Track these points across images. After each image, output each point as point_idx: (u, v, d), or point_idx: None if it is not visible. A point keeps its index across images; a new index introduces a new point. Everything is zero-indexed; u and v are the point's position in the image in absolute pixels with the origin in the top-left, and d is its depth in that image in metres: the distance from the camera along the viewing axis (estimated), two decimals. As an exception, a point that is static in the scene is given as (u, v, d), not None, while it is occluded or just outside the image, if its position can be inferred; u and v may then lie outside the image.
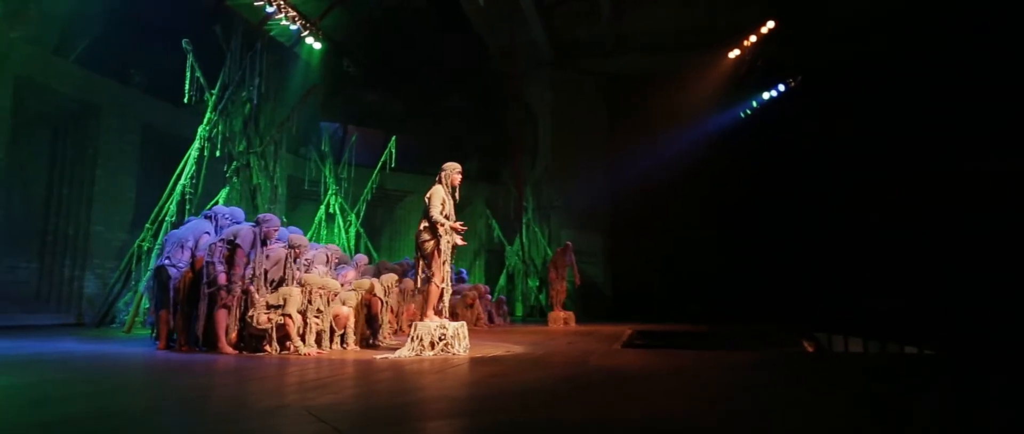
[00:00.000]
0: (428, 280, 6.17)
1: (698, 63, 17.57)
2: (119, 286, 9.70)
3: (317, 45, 14.69)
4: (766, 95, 16.75)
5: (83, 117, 11.04)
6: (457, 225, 6.10)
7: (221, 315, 5.89)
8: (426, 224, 6.13)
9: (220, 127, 10.15)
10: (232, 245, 5.91)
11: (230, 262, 5.90)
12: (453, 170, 6.32)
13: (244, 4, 12.86)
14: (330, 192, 16.04)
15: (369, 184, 16.68)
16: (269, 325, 5.76)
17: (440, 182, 6.27)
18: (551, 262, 13.37)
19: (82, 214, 10.90)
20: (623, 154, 19.23)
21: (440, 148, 19.56)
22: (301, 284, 6.01)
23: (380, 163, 16.90)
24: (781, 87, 16.32)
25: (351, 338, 6.53)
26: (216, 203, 9.83)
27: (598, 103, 19.80)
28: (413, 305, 9.89)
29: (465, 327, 6.16)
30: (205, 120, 10.05)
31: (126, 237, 11.11)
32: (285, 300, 5.81)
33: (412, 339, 5.88)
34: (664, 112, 18.53)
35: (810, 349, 10.08)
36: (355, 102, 17.88)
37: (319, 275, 6.82)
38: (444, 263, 6.10)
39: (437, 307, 6.10)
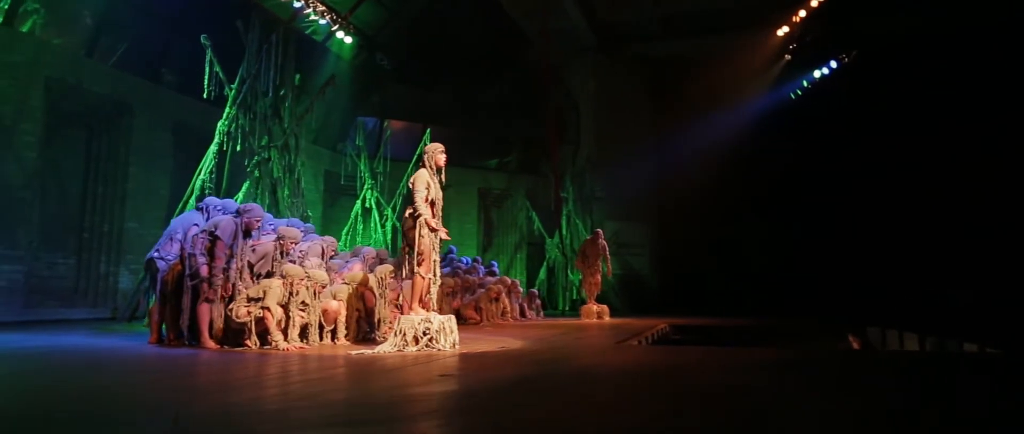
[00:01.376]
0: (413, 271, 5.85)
1: (746, 43, 16.60)
2: (146, 281, 9.84)
3: (348, 39, 14.65)
4: (817, 73, 15.60)
5: (116, 116, 11.30)
6: (437, 228, 5.72)
7: (203, 309, 5.76)
8: (411, 211, 5.80)
9: (240, 121, 10.15)
10: (213, 237, 5.77)
11: (212, 254, 5.76)
12: (435, 150, 5.99)
13: (273, 1, 12.94)
14: (366, 187, 16.02)
15: (404, 178, 16.57)
16: (249, 318, 5.58)
17: (424, 165, 5.94)
18: (580, 253, 12.87)
19: (116, 211, 11.17)
20: (669, 141, 18.44)
21: (478, 140, 19.35)
22: (283, 276, 5.81)
23: (415, 157, 16.76)
24: (833, 64, 15.17)
25: (342, 333, 6.30)
26: (236, 198, 9.86)
27: (642, 89, 19.07)
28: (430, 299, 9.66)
29: (452, 321, 5.81)
30: (224, 115, 10.08)
31: (159, 233, 11.31)
32: (265, 293, 5.62)
33: (396, 333, 5.58)
34: (711, 96, 17.64)
35: (856, 345, 9.24)
36: (391, 96, 17.80)
37: (311, 268, 6.62)
38: (429, 253, 5.76)
39: (423, 299, 5.78)
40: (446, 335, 5.61)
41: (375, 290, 6.88)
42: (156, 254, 6.21)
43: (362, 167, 16.03)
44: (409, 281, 5.85)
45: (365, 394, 3.37)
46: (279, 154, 10.57)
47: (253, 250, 6.05)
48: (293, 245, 6.62)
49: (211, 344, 5.72)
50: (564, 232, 17.74)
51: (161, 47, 11.86)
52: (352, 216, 15.90)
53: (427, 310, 5.80)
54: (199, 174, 9.89)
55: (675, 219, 18.83)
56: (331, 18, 13.92)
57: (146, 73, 11.86)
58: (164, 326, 6.13)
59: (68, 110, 10.78)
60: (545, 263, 18.10)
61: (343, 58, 15.63)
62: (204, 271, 5.76)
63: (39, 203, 10.44)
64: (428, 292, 5.82)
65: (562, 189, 18.30)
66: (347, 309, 6.49)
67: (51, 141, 10.68)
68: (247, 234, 5.97)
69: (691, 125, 17.95)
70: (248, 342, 5.60)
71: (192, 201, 9.70)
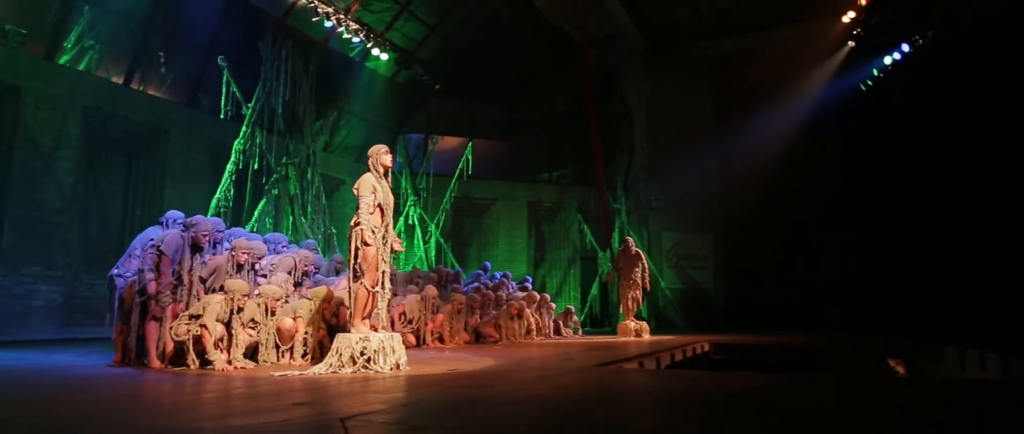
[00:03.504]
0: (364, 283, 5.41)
1: (809, 34, 15.23)
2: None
3: (384, 56, 14.65)
4: (887, 59, 13.98)
5: (153, 141, 11.71)
6: (369, 241, 5.25)
7: (151, 327, 5.59)
8: (355, 220, 5.39)
9: (258, 139, 10.20)
10: (160, 252, 5.60)
11: (159, 270, 5.59)
12: (380, 152, 5.57)
13: (306, 22, 13.12)
14: (409, 203, 15.92)
15: (448, 193, 16.36)
16: (188, 337, 5.34)
17: (369, 169, 5.53)
18: (613, 265, 12.03)
19: (153, 232, 11.51)
20: (731, 144, 17.22)
21: (527, 153, 18.86)
22: (224, 291, 5.54)
23: (457, 171, 16.53)
24: (906, 47, 13.52)
25: (299, 352, 5.95)
26: (253, 217, 9.88)
27: (701, 90, 17.97)
28: (441, 316, 9.22)
29: (397, 339, 5.32)
30: (240, 133, 10.16)
31: (193, 253, 11.58)
32: (205, 309, 5.37)
33: (333, 353, 5.16)
34: (774, 92, 16.34)
35: (900, 370, 7.93)
36: (436, 111, 17.68)
37: (277, 284, 6.36)
38: (374, 264, 5.31)
39: (368, 316, 5.33)
40: (386, 355, 5.12)
41: (349, 306, 6.50)
42: (115, 271, 6.14)
43: (404, 184, 15.94)
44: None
45: (175, 421, 2.94)
46: (297, 171, 10.53)
47: (203, 264, 5.84)
48: (257, 259, 6.39)
49: (157, 363, 5.53)
50: (616, 245, 16.86)
51: (197, 73, 12.21)
52: (396, 233, 15.79)
53: (373, 328, 5.35)
54: (216, 193, 10.00)
55: (741, 228, 17.51)
56: (365, 36, 13.96)
57: (182, 98, 12.26)
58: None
59: (107, 137, 11.26)
60: (598, 278, 17.29)
61: (380, 74, 15.65)
62: (152, 288, 5.60)
63: (80, 226, 10.94)
64: (374, 307, 5.37)
65: (614, 200, 17.49)
66: (313, 327, 6.15)
67: (92, 166, 11.19)
68: (197, 249, 5.77)
69: (754, 125, 16.68)
70: (188, 361, 5.35)
71: (208, 220, 9.79)
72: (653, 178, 17.47)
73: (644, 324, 11.56)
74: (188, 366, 5.33)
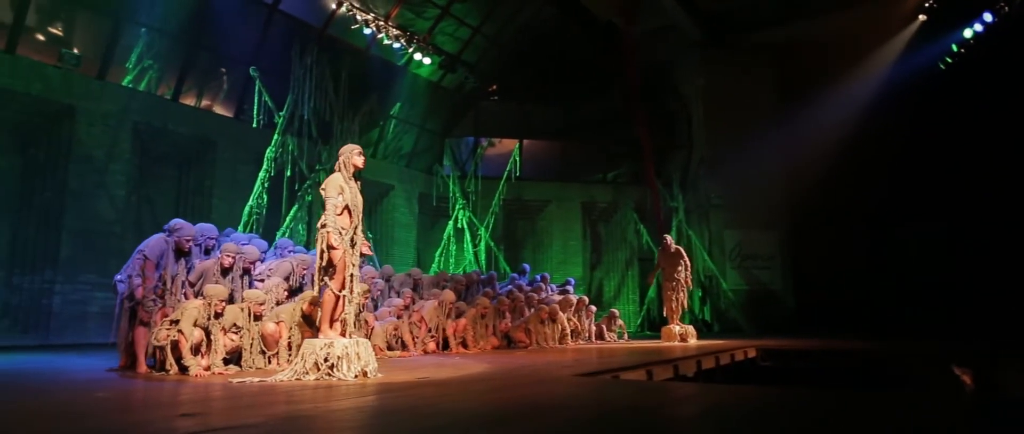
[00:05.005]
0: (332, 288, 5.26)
1: (877, 10, 13.96)
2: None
3: (427, 61, 14.66)
4: (967, 32, 12.54)
5: (202, 152, 12.19)
6: (336, 245, 5.07)
7: (140, 332, 5.67)
8: (322, 221, 5.25)
9: (290, 146, 10.38)
10: (146, 257, 5.68)
11: (144, 275, 5.67)
12: (352, 152, 5.40)
13: (348, 31, 13.32)
14: (458, 207, 15.84)
15: (496, 195, 16.16)
16: (166, 342, 5.36)
17: (338, 169, 5.38)
18: (656, 264, 11.40)
19: (202, 241, 11.97)
20: (797, 136, 16.08)
21: (581, 153, 18.38)
22: (203, 295, 5.54)
23: (505, 173, 16.31)
24: (988, 17, 12.07)
25: (284, 357, 5.87)
26: (284, 224, 10.03)
27: (761, 79, 16.91)
28: (464, 321, 8.98)
29: (364, 346, 5.11)
30: (272, 141, 10.36)
31: (239, 260, 11.95)
32: (182, 314, 5.38)
33: (299, 358, 5.03)
34: (842, 78, 15.13)
35: (968, 383, 6.92)
36: (485, 114, 17.55)
37: (271, 288, 6.33)
38: (342, 267, 5.14)
39: (335, 319, 5.16)
40: (350, 362, 4.93)
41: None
42: (118, 277, 6.29)
43: (452, 187, 15.88)
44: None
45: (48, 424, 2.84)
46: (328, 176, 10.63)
47: (191, 269, 5.88)
48: (251, 264, 6.39)
49: (144, 368, 5.60)
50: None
51: (241, 86, 12.62)
52: (444, 238, 15.78)
53: (342, 333, 5.18)
54: (248, 201, 10.23)
55: (812, 224, 16.31)
56: (406, 41, 14.01)
57: (228, 110, 12.70)
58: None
59: (158, 150, 11.81)
60: (656, 280, 16.55)
61: (426, 79, 15.67)
62: (139, 293, 5.69)
63: (134, 236, 11.51)
64: (342, 311, 5.20)
65: (671, 198, 16.73)
66: (300, 332, 6.06)
67: (145, 179, 11.77)
68: (182, 254, 5.81)
69: (820, 113, 15.52)
70: (167, 366, 5.37)
71: (240, 228, 10.04)
72: (713, 174, 16.58)
73: (690, 328, 10.88)
74: (166, 371, 5.35)
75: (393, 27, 13.69)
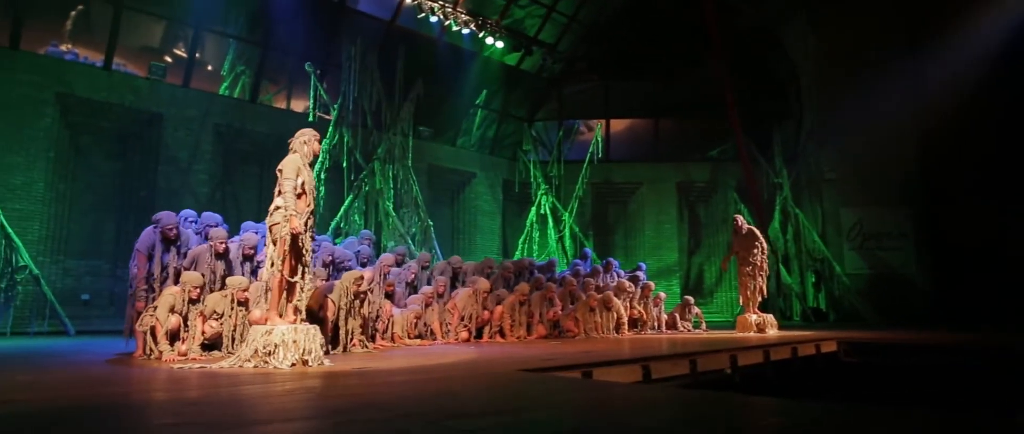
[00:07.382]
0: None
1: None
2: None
3: (499, 44, 14.37)
4: None
5: (279, 150, 12.73)
6: (298, 229, 4.90)
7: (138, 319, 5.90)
8: (275, 204, 5.13)
9: (345, 138, 10.56)
10: (137, 250, 5.89)
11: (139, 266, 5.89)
12: (311, 137, 5.29)
13: (419, 21, 13.38)
14: (540, 192, 15.41)
15: (580, 179, 15.51)
16: (146, 328, 5.51)
17: (295, 150, 5.24)
18: (730, 248, 10.22)
19: (282, 234, 12.58)
20: (930, 96, 13.83)
21: (673, 130, 17.13)
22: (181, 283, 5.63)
23: (588, 155, 15.61)
24: None
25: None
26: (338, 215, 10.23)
27: (882, 34, 14.71)
28: (500, 308, 8.58)
29: (308, 333, 4.88)
30: (328, 134, 10.59)
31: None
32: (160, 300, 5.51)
33: (246, 344, 4.93)
34: (992, 14, 12.73)
35: None
36: (571, 96, 16.88)
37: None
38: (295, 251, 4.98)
39: (282, 306, 5.00)
40: (288, 351, 4.73)
41: (335, 301, 6.29)
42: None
43: (534, 172, 15.47)
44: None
45: None
46: (380, 165, 10.69)
47: (183, 257, 6.03)
48: (251, 250, 6.47)
49: (140, 353, 5.81)
50: (776, 227, 14.53)
51: (312, 85, 13.08)
52: (527, 224, 15.41)
53: (293, 318, 5.00)
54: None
55: (951, 196, 13.97)
56: (477, 25, 13.80)
57: (301, 108, 13.23)
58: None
59: (239, 150, 12.56)
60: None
61: (502, 63, 15.35)
62: (135, 283, 5.92)
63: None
64: (295, 297, 5.03)
65: (775, 175, 15.11)
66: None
67: (230, 177, 12.57)
68: (171, 242, 5.97)
69: (965, 62, 13.16)
70: (146, 350, 5.53)
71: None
72: (825, 145, 14.75)
73: (769, 317, 9.65)
74: (147, 355, 5.51)
75: (463, 13, 13.53)
